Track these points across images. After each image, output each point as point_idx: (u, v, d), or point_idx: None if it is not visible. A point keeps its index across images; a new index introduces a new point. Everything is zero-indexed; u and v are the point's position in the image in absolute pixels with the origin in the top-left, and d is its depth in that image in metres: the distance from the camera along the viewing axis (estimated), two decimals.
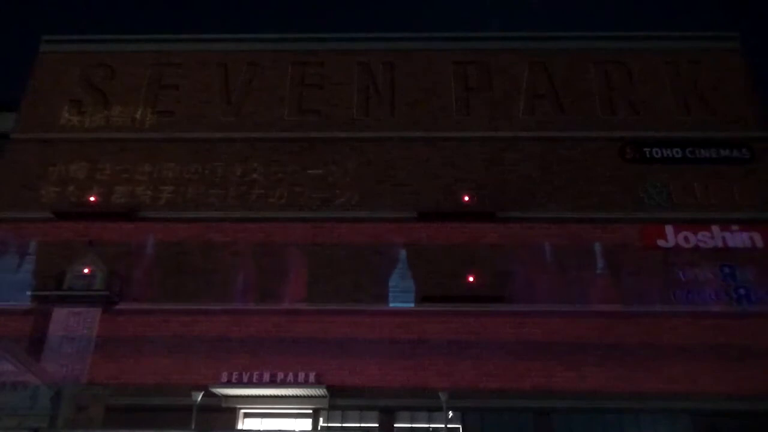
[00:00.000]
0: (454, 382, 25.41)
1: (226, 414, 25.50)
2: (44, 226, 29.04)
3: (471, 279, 27.62)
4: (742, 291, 27.30)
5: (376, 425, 25.22)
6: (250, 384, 25.18)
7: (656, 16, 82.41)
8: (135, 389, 25.38)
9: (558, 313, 26.95)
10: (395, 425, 25.47)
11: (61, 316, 27.09)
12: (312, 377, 25.20)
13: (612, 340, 26.24)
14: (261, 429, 25.75)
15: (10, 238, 28.69)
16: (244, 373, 25.37)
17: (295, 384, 25.07)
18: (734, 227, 28.54)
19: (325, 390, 25.20)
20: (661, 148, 30.65)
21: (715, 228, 28.58)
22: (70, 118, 32.22)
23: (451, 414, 24.39)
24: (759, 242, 28.22)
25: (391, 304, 27.32)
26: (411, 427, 25.57)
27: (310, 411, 25.89)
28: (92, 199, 29.74)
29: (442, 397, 22.97)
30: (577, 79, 32.79)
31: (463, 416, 25.35)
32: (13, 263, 28.25)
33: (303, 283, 27.72)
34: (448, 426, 23.97)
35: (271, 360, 25.97)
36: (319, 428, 25.21)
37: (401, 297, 27.39)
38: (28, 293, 27.31)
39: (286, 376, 25.17)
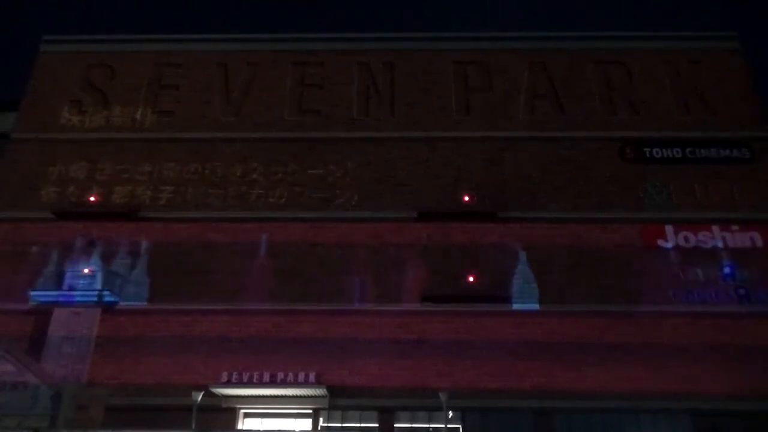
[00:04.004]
0: (454, 382, 25.40)
1: (226, 414, 25.50)
2: (44, 226, 29.03)
3: (471, 279, 27.63)
4: (742, 291, 27.28)
5: (376, 425, 25.23)
6: (250, 384, 25.17)
7: (656, 16, 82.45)
8: (135, 389, 25.37)
9: (558, 313, 26.97)
10: (395, 425, 25.46)
11: (61, 316, 27.09)
12: (312, 377, 25.19)
13: (612, 340, 26.23)
14: (261, 429, 25.76)
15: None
16: (244, 373, 25.35)
17: (295, 384, 25.07)
18: (734, 227, 28.53)
19: (325, 390, 25.20)
20: (661, 148, 30.65)
21: (715, 228, 28.57)
22: (70, 118, 32.22)
23: (451, 414, 24.38)
24: (759, 242, 28.21)
25: (514, 306, 27.16)
26: (411, 427, 25.57)
27: (310, 411, 25.88)
28: (92, 199, 29.74)
29: (442, 397, 22.95)
30: (577, 79, 32.78)
31: (463, 416, 25.34)
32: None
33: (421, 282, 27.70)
34: (448, 426, 23.96)
35: (271, 360, 25.95)
36: (319, 428, 25.21)
37: (525, 298, 27.26)
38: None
39: (286, 376, 25.17)
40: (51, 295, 27.33)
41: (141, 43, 34.33)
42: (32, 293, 27.34)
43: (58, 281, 27.69)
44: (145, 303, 27.42)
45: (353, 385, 25.72)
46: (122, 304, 27.40)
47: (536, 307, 27.14)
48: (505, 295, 27.30)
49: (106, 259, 28.24)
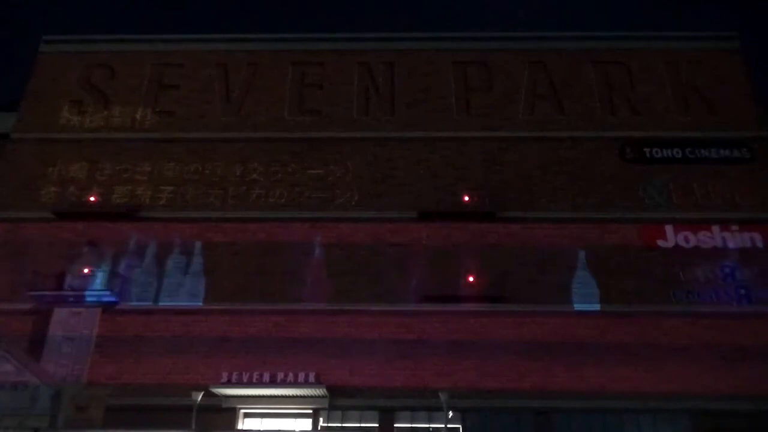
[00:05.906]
0: (454, 382, 25.41)
1: (226, 414, 25.51)
2: (44, 226, 29.03)
3: (471, 279, 27.63)
4: (742, 291, 27.29)
5: (376, 425, 25.23)
6: (250, 384, 25.18)
7: (656, 16, 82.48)
8: (135, 389, 25.37)
9: (558, 313, 26.97)
10: (395, 425, 25.47)
11: (61, 316, 27.09)
12: (312, 377, 25.20)
13: (612, 340, 26.23)
14: (261, 429, 25.76)
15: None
16: (244, 373, 25.37)
17: (295, 384, 25.08)
18: (734, 227, 28.54)
19: (325, 390, 25.21)
20: (661, 148, 30.66)
21: (715, 228, 28.58)
22: (70, 118, 32.21)
23: (451, 414, 24.36)
24: (759, 242, 28.21)
25: (576, 307, 27.13)
26: (411, 427, 25.57)
27: (310, 411, 25.89)
28: (92, 199, 29.74)
29: (442, 397, 22.96)
30: (577, 79, 32.78)
31: (463, 416, 25.34)
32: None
33: None
34: (448, 426, 23.96)
35: (271, 360, 25.96)
36: (319, 428, 25.20)
37: (585, 298, 27.24)
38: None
39: (286, 376, 25.18)
40: (104, 294, 27.29)
41: (141, 43, 34.34)
42: (87, 293, 27.23)
43: (58, 281, 27.65)
44: (201, 304, 27.44)
45: (353, 385, 25.74)
46: (161, 305, 27.47)
47: (597, 307, 27.04)
48: (504, 295, 27.28)
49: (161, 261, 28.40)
